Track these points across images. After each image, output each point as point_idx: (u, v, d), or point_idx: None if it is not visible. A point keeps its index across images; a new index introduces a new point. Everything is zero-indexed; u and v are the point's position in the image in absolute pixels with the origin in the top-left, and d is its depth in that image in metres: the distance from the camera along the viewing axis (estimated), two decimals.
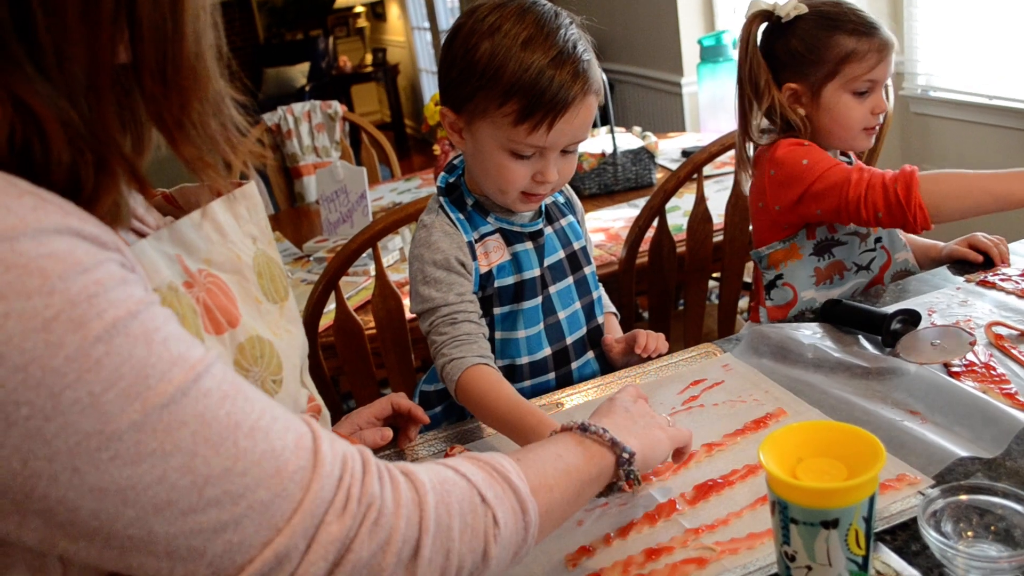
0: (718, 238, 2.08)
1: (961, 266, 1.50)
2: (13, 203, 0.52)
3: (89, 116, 0.60)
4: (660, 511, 0.95)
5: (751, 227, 1.65)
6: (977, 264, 1.48)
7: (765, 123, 1.52)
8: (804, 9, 1.42)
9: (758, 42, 1.48)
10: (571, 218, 1.32)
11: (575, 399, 1.24)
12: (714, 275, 2.30)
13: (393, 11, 8.81)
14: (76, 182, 0.58)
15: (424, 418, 1.16)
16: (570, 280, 1.30)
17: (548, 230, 1.28)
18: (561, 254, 1.29)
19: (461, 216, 1.23)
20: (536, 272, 1.25)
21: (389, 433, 1.13)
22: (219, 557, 0.57)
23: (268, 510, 0.58)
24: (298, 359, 0.80)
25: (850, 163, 1.51)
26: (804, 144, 1.44)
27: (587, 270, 1.32)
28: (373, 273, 2.12)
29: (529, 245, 1.25)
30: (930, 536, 0.81)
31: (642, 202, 2.47)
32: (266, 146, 3.13)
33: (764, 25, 1.48)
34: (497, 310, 1.24)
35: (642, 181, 2.67)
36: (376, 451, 1.12)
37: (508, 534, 0.70)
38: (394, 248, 2.30)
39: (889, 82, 1.59)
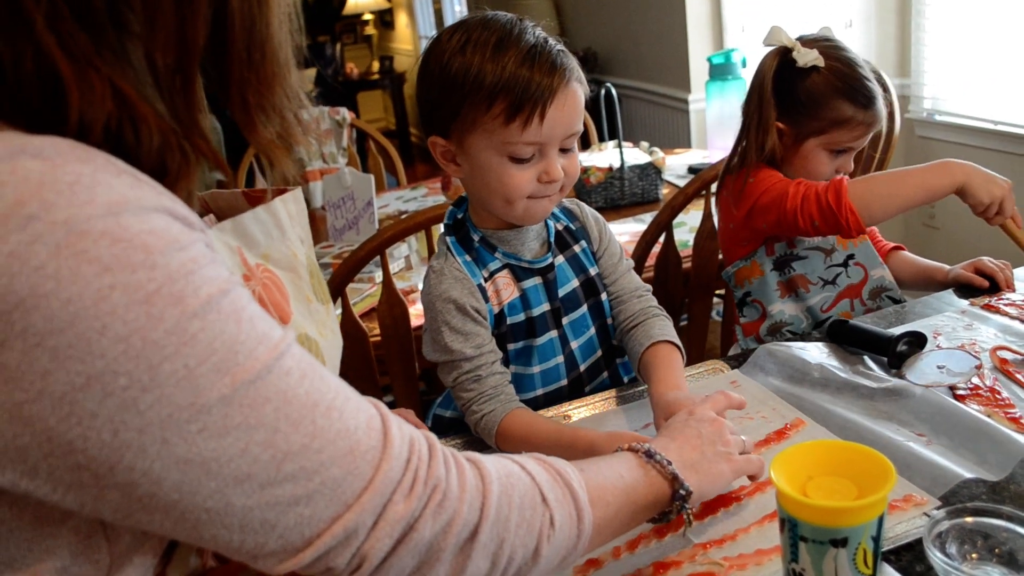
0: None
1: (966, 290, 1.51)
2: (114, 180, 0.54)
3: (175, 100, 0.62)
4: (669, 525, 0.96)
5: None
6: (982, 289, 1.49)
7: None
8: (821, 63, 1.47)
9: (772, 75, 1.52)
10: (583, 244, 1.31)
11: (582, 411, 1.25)
12: (718, 292, 2.32)
13: (401, 19, 8.85)
14: (163, 166, 0.60)
15: None
16: (584, 308, 1.29)
17: (560, 260, 1.28)
18: (575, 283, 1.29)
19: (468, 258, 1.22)
20: (546, 307, 1.25)
21: None
22: (290, 530, 0.59)
23: (340, 487, 0.60)
24: (337, 361, 0.82)
25: None
26: (760, 167, 1.52)
27: (603, 296, 1.31)
28: (378, 280, 2.14)
29: (538, 280, 1.25)
30: (935, 557, 0.82)
31: (648, 217, 2.49)
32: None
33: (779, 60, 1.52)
34: (511, 346, 1.24)
35: (648, 196, 2.69)
36: None
37: (561, 537, 0.72)
38: (400, 256, 2.32)
39: (896, 105, 1.63)
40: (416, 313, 1.89)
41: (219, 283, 0.56)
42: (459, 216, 1.26)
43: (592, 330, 1.31)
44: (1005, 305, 1.40)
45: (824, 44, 1.49)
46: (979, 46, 3.05)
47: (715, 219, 1.99)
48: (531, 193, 1.15)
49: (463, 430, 1.21)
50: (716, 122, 2.99)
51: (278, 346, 0.59)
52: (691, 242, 2.07)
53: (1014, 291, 1.47)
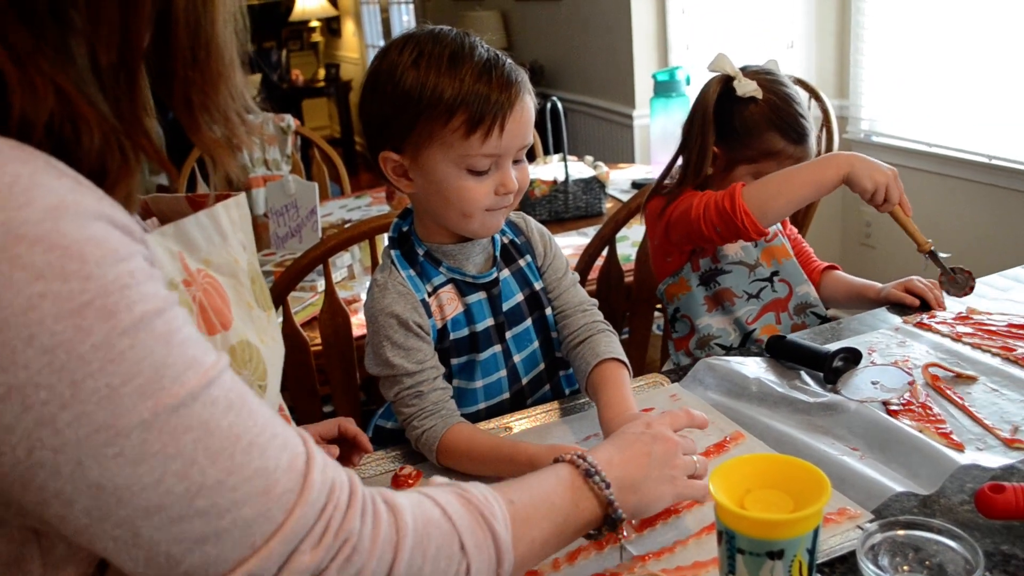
0: None
1: (898, 308, 1.55)
2: (54, 183, 0.52)
3: (119, 99, 0.60)
4: (608, 537, 0.96)
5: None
6: (913, 307, 1.53)
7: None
8: (759, 95, 1.52)
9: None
10: (528, 258, 1.31)
11: (524, 424, 1.25)
12: (658, 306, 2.34)
13: (348, 27, 8.80)
14: (102, 167, 0.58)
15: (368, 447, 1.15)
16: (528, 322, 1.30)
17: (505, 274, 1.28)
18: (520, 297, 1.29)
19: (412, 272, 1.21)
20: (490, 322, 1.25)
21: (335, 452, 1.12)
22: (194, 568, 0.57)
23: (250, 528, 0.58)
24: (279, 368, 0.80)
25: None
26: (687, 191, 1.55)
27: (547, 310, 1.31)
28: (320, 289, 2.12)
29: (482, 295, 1.24)
30: (868, 570, 0.83)
31: (591, 231, 2.51)
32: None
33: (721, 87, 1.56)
34: (454, 361, 1.24)
35: (592, 210, 2.71)
36: None
37: None
38: (342, 265, 2.30)
39: (835, 125, 1.67)
40: (358, 323, 1.87)
41: (155, 301, 0.55)
42: (404, 229, 1.25)
43: (536, 344, 1.31)
44: (937, 323, 1.44)
45: (765, 77, 1.54)
46: (915, 70, 3.15)
47: None
48: (488, 206, 1.15)
49: (405, 441, 1.20)
50: (660, 138, 3.03)
51: (207, 373, 0.57)
52: (633, 256, 2.08)
53: (944, 310, 1.51)
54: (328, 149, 3.26)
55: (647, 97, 3.87)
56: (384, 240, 1.91)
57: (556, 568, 0.92)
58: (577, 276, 1.36)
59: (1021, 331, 1.38)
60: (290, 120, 3.16)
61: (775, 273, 1.62)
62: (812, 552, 0.74)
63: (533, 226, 1.34)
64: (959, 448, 1.09)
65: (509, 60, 1.14)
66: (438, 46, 1.11)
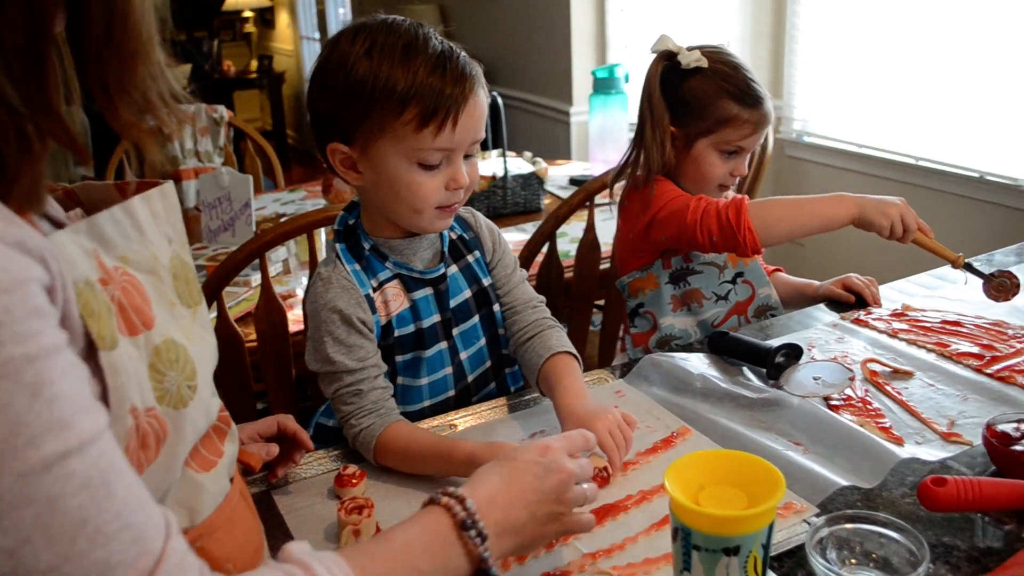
0: (604, 266, 2.11)
1: (836, 305, 1.57)
2: None
3: (27, 83, 0.56)
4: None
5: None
6: (849, 304, 1.56)
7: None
8: (704, 63, 1.49)
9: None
10: (477, 254, 1.29)
11: (469, 421, 1.23)
12: (597, 302, 2.34)
13: (283, 19, 8.65)
14: (0, 161, 0.54)
15: (309, 445, 1.11)
16: (476, 319, 1.27)
17: (453, 269, 1.25)
18: (467, 293, 1.26)
19: (357, 267, 1.18)
20: (436, 319, 1.22)
21: (275, 450, 1.08)
22: None
23: None
24: (210, 366, 0.76)
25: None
26: (659, 179, 1.53)
27: (495, 307, 1.29)
28: (255, 284, 2.07)
29: (429, 291, 1.22)
30: (817, 563, 0.84)
31: (530, 226, 2.51)
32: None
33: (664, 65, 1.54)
34: (399, 358, 1.21)
35: (531, 206, 2.70)
36: (262, 469, 1.07)
37: None
38: (277, 260, 2.25)
39: (769, 128, 1.68)
40: (294, 318, 1.84)
41: (30, 345, 0.49)
42: (350, 222, 1.22)
43: (483, 341, 1.29)
44: (874, 320, 1.47)
45: (708, 48, 1.52)
46: (847, 72, 3.22)
47: (597, 231, 2.03)
48: (439, 202, 1.13)
49: (346, 440, 1.17)
50: (598, 135, 3.04)
51: (70, 440, 0.51)
52: (571, 252, 2.08)
53: (880, 306, 1.53)
54: (262, 141, 3.19)
55: (585, 94, 3.89)
56: (322, 234, 1.89)
57: (506, 567, 0.91)
58: (526, 273, 1.35)
59: (954, 327, 1.41)
60: (223, 111, 3.09)
61: (739, 274, 1.60)
62: (767, 548, 0.74)
63: (482, 222, 1.32)
64: (899, 442, 1.11)
65: (463, 53, 1.12)
66: (391, 36, 1.08)
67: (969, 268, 1.43)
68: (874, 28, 3.08)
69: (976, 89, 2.79)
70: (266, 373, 1.77)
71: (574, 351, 1.24)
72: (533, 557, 0.92)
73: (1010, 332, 1.38)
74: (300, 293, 2.07)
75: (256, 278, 2.06)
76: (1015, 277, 1.41)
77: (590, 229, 2.03)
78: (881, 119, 3.14)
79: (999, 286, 1.42)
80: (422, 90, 1.06)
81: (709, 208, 1.42)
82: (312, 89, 1.14)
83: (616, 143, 2.96)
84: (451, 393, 1.26)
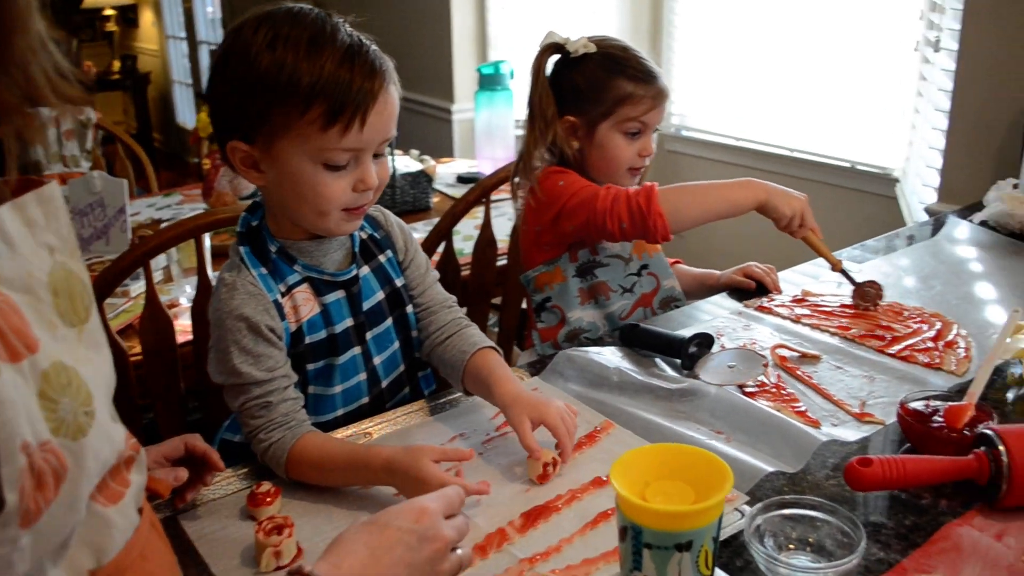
0: (501, 262, 2.10)
1: (738, 294, 1.59)
2: None
3: None
4: (490, 541, 0.92)
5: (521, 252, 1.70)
6: (751, 292, 1.58)
7: (547, 155, 1.57)
8: (593, 48, 1.49)
9: (548, 73, 1.53)
10: (389, 253, 1.23)
11: (385, 428, 1.18)
12: (494, 301, 2.32)
13: (146, 17, 8.28)
14: None
15: (220, 465, 1.03)
16: (389, 322, 1.22)
17: (365, 271, 1.20)
18: (380, 295, 1.21)
19: (264, 271, 1.11)
20: (349, 323, 1.17)
21: (184, 474, 0.99)
22: None
23: None
24: (108, 388, 0.68)
25: None
26: (565, 171, 1.51)
27: (408, 308, 1.24)
28: (134, 294, 1.96)
29: (341, 294, 1.16)
30: (758, 551, 0.84)
31: (420, 225, 2.47)
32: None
33: (556, 57, 1.53)
34: (310, 366, 1.15)
35: (420, 204, 2.67)
36: (173, 493, 1.00)
37: None
38: (157, 268, 2.13)
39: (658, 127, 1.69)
40: (181, 328, 1.74)
41: None
42: (253, 224, 1.14)
43: (396, 344, 1.24)
44: (776, 306, 1.49)
45: (594, 37, 1.52)
46: (724, 68, 3.30)
47: (494, 227, 2.00)
48: (346, 204, 1.07)
49: (254, 457, 1.10)
50: (484, 131, 3.01)
51: None
52: (465, 250, 2.06)
53: (781, 293, 1.56)
54: (133, 144, 3.02)
55: (467, 91, 3.86)
56: (207, 240, 1.79)
57: None
58: (438, 273, 1.31)
59: (853, 311, 1.45)
60: (91, 113, 2.90)
61: (644, 266, 1.60)
62: (717, 540, 0.73)
63: (392, 220, 1.27)
64: (815, 425, 1.12)
65: (374, 47, 1.06)
66: (297, 27, 1.01)
67: (844, 274, 1.51)
68: (749, 24, 3.17)
69: (847, 82, 2.92)
70: (153, 388, 1.68)
71: (495, 346, 1.21)
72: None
73: (905, 313, 1.43)
74: (184, 302, 1.97)
75: (136, 288, 1.95)
76: (879, 287, 1.50)
77: (487, 226, 2.00)
78: (757, 113, 3.23)
79: (864, 294, 1.49)
80: (328, 86, 0.99)
81: (619, 195, 1.41)
82: (212, 82, 1.06)
83: (503, 140, 2.94)
84: (365, 400, 1.21)
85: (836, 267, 1.50)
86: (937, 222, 1.90)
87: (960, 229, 1.79)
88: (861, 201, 2.99)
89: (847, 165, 2.99)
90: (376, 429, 1.17)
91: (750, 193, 1.42)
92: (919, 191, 2.60)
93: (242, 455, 1.14)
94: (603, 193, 1.43)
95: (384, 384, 1.22)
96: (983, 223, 1.81)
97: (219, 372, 1.09)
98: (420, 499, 0.81)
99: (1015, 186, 1.89)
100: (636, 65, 1.49)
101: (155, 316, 1.63)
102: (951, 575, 0.83)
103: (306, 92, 0.99)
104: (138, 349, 1.67)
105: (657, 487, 0.74)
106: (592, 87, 1.49)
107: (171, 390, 1.68)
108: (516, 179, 1.57)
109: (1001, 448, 0.91)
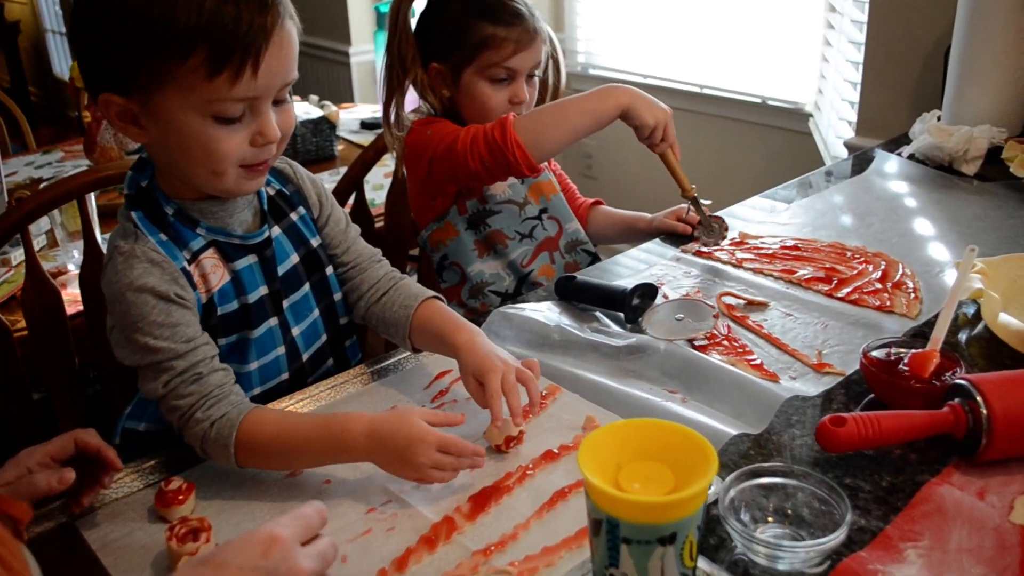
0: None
1: (672, 239, 1.51)
2: None
3: None
4: (438, 532, 0.82)
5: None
6: (687, 236, 1.50)
7: (424, 106, 1.51)
8: None
9: (413, 16, 1.45)
10: (302, 210, 1.10)
11: (308, 405, 1.06)
12: (412, 253, 2.21)
13: None
14: None
15: (117, 464, 0.89)
16: (307, 287, 1.09)
17: (276, 231, 1.06)
18: (295, 258, 1.08)
19: (163, 237, 0.96)
20: (263, 291, 1.03)
21: (70, 476, 0.85)
22: None
23: None
24: None
25: None
26: (433, 120, 1.45)
27: (327, 270, 1.12)
28: (15, 263, 1.79)
29: (253, 259, 1.03)
30: (734, 527, 0.76)
31: (326, 175, 2.33)
32: None
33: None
34: (222, 341, 1.00)
35: (324, 153, 2.55)
36: (54, 498, 0.87)
37: None
38: (39, 232, 1.95)
39: (562, 62, 1.59)
40: (71, 298, 1.59)
41: None
42: (143, 184, 0.99)
43: (316, 312, 1.11)
44: (716, 251, 1.42)
45: None
46: (629, 3, 3.21)
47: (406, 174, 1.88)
48: (244, 161, 0.93)
49: (162, 446, 0.97)
50: None
51: None
52: (376, 201, 1.94)
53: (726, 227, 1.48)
54: (5, 98, 2.78)
55: (364, 32, 3.67)
56: (92, 200, 1.62)
57: None
58: (359, 227, 1.19)
59: (795, 252, 1.39)
60: None
61: (544, 210, 1.54)
62: (701, 528, 0.65)
63: (303, 173, 1.14)
64: (774, 379, 1.06)
65: None
66: None
67: (695, 203, 1.44)
68: None
69: (755, 16, 2.87)
70: (44, 368, 1.52)
71: (439, 295, 1.11)
72: (415, 563, 0.79)
73: (848, 253, 1.37)
74: (73, 268, 1.81)
75: (16, 255, 1.79)
76: (724, 223, 1.45)
77: (398, 174, 1.88)
78: (664, 49, 3.18)
79: (708, 230, 1.44)
80: (211, 25, 0.84)
81: (477, 132, 1.34)
82: (74, 25, 0.90)
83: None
84: (284, 376, 1.08)
85: (688, 194, 1.42)
86: (861, 157, 1.85)
87: (890, 164, 1.75)
88: (773, 136, 2.96)
89: (758, 100, 2.96)
90: (301, 406, 1.06)
91: (611, 99, 1.34)
92: (835, 125, 2.57)
93: (147, 446, 1.01)
94: (463, 134, 1.35)
95: (305, 357, 1.10)
96: (911, 156, 1.77)
97: (131, 353, 0.94)
98: (267, 526, 0.67)
99: (938, 118, 1.85)
100: (497, 4, 1.40)
101: (39, 286, 1.48)
102: (939, 542, 0.77)
103: (185, 34, 0.84)
104: (23, 324, 1.51)
105: (631, 470, 0.65)
106: (456, 30, 1.41)
107: (64, 366, 1.53)
108: (383, 132, 1.49)
109: (979, 399, 0.85)
